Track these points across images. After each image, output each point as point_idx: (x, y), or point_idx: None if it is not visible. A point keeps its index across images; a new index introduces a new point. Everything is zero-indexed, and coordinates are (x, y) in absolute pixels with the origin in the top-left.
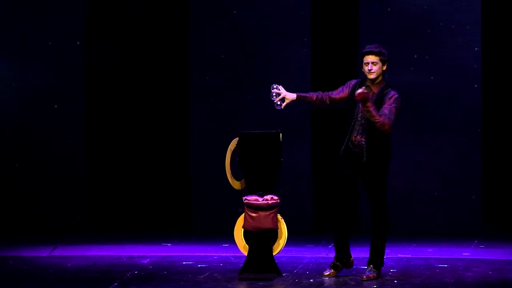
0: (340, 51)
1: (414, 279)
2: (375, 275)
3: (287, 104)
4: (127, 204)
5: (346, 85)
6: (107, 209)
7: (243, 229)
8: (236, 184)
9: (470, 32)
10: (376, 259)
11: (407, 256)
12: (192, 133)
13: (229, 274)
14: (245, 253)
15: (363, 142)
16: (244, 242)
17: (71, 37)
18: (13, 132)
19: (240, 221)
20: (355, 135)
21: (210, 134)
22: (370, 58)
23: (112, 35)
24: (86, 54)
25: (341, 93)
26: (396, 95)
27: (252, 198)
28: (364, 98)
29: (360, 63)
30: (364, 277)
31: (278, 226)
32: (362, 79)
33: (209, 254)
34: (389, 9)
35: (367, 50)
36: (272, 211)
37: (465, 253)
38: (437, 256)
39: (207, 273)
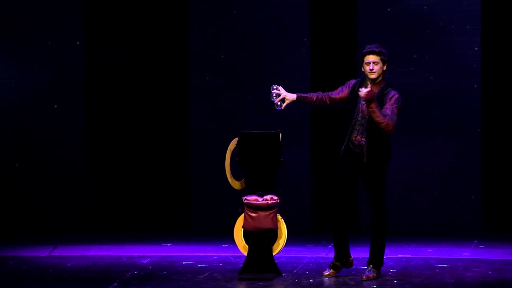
0: (339, 51)
1: (413, 279)
2: (374, 275)
3: (287, 105)
4: (127, 204)
5: (345, 85)
6: (107, 209)
7: (243, 229)
8: (235, 184)
9: (470, 32)
10: (375, 259)
11: (407, 256)
12: (192, 133)
13: (228, 274)
14: (245, 253)
15: (363, 142)
16: (244, 242)
17: (70, 37)
18: (13, 132)
19: (239, 221)
20: (355, 135)
21: (210, 134)
22: (371, 58)
23: (112, 35)
24: (86, 54)
25: (341, 93)
26: (397, 95)
27: (251, 198)
28: (371, 98)
29: (360, 63)
30: (364, 277)
31: (278, 226)
32: (362, 79)
33: (209, 254)
34: (389, 9)
35: (368, 50)
36: (271, 211)
37: (465, 253)
38: (437, 256)
39: (206, 273)
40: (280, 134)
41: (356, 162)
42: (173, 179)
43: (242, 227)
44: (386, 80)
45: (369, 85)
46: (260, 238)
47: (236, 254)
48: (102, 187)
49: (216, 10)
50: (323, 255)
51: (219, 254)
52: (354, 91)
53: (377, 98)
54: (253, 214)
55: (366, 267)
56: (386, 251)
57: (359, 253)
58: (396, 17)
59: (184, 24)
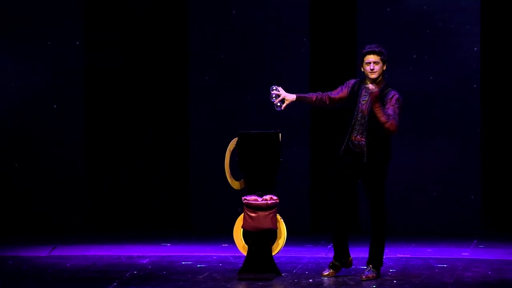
0: (339, 51)
1: (413, 279)
2: (374, 275)
3: (287, 105)
4: (127, 204)
5: (345, 84)
6: (107, 209)
7: (242, 229)
8: (235, 184)
9: (469, 32)
10: (375, 259)
11: (406, 256)
12: (192, 133)
13: (228, 274)
14: (244, 253)
15: (363, 142)
16: (244, 242)
17: (70, 37)
18: (13, 132)
19: (239, 221)
20: (355, 135)
21: (210, 134)
22: (372, 58)
23: (111, 35)
24: (86, 54)
25: (340, 93)
26: (397, 95)
27: (251, 198)
28: (376, 97)
29: (360, 63)
30: (364, 277)
31: (277, 226)
32: (362, 78)
33: (209, 254)
34: (388, 9)
35: (369, 49)
36: (271, 211)
37: (465, 253)
38: (436, 256)
39: (206, 273)
40: (280, 134)
41: (356, 162)
42: (173, 179)
43: (242, 227)
44: (386, 80)
45: (368, 86)
46: (260, 238)
47: (236, 254)
48: (102, 187)
49: (216, 10)
50: (322, 255)
51: (219, 254)
52: (354, 91)
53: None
54: (253, 214)
55: (365, 267)
56: (386, 251)
57: (359, 253)
58: (396, 17)
59: (184, 24)
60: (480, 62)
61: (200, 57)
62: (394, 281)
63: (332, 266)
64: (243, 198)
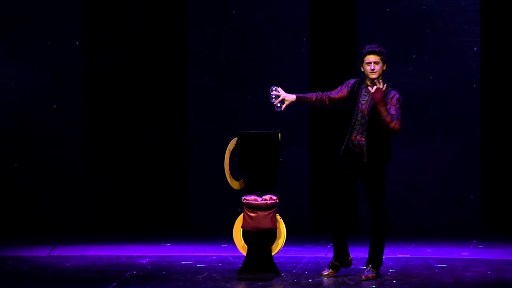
0: (339, 51)
1: (413, 279)
2: (374, 275)
3: (287, 106)
4: (127, 204)
5: (345, 84)
6: (106, 209)
7: (242, 229)
8: (235, 184)
9: (469, 32)
10: (375, 259)
11: (406, 256)
12: (192, 133)
13: (228, 274)
14: (244, 253)
15: (363, 142)
16: (243, 242)
17: (70, 37)
18: (13, 132)
19: (239, 221)
20: (355, 134)
21: (210, 134)
22: (372, 58)
23: (112, 35)
24: (86, 54)
25: (340, 92)
26: (397, 95)
27: (251, 198)
28: (382, 96)
29: (360, 63)
30: (363, 277)
31: (277, 226)
32: (361, 78)
33: (208, 254)
34: (388, 9)
35: (369, 49)
36: (271, 211)
37: (464, 253)
38: (436, 256)
39: (206, 273)
40: (279, 134)
41: (356, 162)
42: (173, 179)
43: (241, 227)
44: (386, 80)
45: (368, 86)
46: (259, 238)
47: (235, 254)
48: (102, 187)
49: (216, 10)
50: (322, 255)
51: (218, 254)
52: (354, 91)
53: None
54: (252, 214)
55: (365, 267)
56: (386, 251)
57: (359, 253)
58: (396, 17)
59: (183, 24)
60: (480, 62)
61: (200, 57)
62: (394, 281)
63: (331, 266)
64: (242, 198)
